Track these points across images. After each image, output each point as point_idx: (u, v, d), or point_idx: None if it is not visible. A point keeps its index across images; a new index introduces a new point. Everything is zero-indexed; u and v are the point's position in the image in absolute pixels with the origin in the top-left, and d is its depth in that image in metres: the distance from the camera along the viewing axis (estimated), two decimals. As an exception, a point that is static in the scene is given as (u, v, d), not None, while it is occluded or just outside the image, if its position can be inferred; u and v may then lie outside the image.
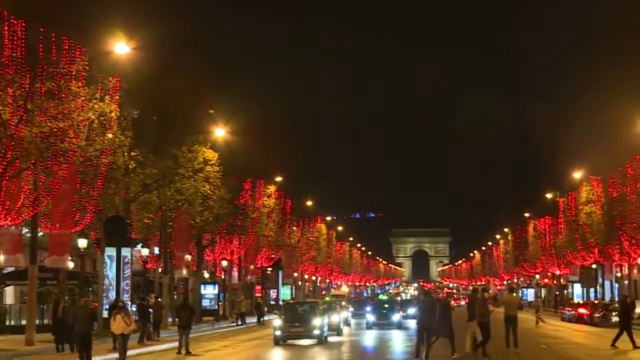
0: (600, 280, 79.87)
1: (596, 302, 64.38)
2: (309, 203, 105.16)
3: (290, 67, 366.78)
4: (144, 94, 44.08)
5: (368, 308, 56.49)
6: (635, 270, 69.85)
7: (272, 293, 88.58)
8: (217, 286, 68.08)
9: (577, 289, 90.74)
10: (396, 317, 52.14)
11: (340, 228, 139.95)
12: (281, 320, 38.82)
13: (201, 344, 39.88)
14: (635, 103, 56.33)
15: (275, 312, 50.39)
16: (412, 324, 52.31)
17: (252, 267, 74.68)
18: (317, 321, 38.53)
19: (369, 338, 43.67)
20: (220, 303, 68.40)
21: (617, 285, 76.37)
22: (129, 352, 30.16)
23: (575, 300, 79.31)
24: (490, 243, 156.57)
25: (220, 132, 57.03)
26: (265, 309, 71.45)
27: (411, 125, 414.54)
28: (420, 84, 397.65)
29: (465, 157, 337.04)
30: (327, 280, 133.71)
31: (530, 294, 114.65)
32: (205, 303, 66.22)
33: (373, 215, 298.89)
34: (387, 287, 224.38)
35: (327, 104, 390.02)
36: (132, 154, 43.55)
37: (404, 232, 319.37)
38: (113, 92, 37.76)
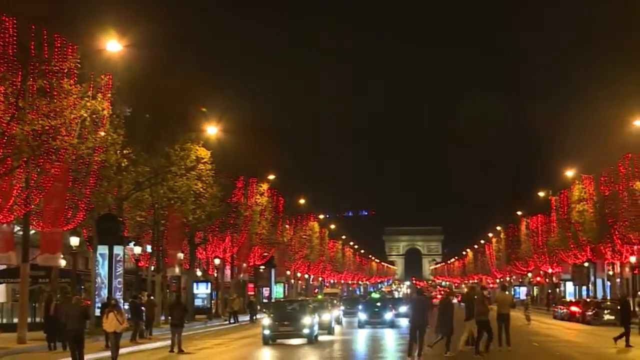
0: (592, 278, 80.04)
1: (588, 300, 64.54)
2: (302, 201, 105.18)
3: (290, 66, 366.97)
4: (136, 92, 44.00)
5: (360, 306, 55.79)
6: (627, 269, 69.98)
7: (265, 291, 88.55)
8: (209, 285, 67.95)
9: (570, 287, 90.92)
10: (388, 315, 51.59)
11: (333, 226, 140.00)
12: (270, 319, 37.91)
13: (194, 342, 39.83)
14: (629, 102, 56.55)
15: (265, 310, 50.27)
16: (404, 322, 52.36)
17: (244, 265, 74.66)
18: (307, 320, 37.67)
19: (361, 337, 43.00)
20: (212, 301, 68.37)
21: (609, 283, 76.57)
22: (122, 350, 30.11)
23: (568, 299, 79.42)
24: (482, 241, 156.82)
25: (212, 130, 56.99)
26: (258, 307, 71.45)
27: (411, 125, 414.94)
28: (420, 84, 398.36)
29: (464, 157, 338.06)
30: (320, 279, 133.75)
31: (522, 292, 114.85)
32: (197, 303, 66.17)
33: (366, 213, 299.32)
34: (379, 286, 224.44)
35: (326, 103, 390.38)
36: (124, 152, 43.52)
37: (396, 230, 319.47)
38: (105, 90, 37.68)
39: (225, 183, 60.50)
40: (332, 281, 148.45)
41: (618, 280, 74.54)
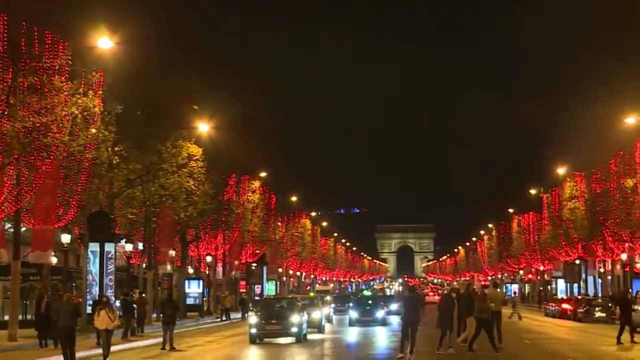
0: (583, 275, 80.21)
1: (579, 297, 64.69)
2: (294, 198, 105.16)
3: (290, 66, 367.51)
4: (127, 89, 43.89)
5: (351, 304, 55.22)
6: (618, 266, 70.17)
7: (257, 289, 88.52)
8: (201, 284, 67.74)
9: (561, 284, 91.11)
10: (380, 313, 50.80)
11: (325, 224, 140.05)
12: (257, 318, 36.86)
13: (185, 339, 39.80)
14: (622, 100, 56.70)
15: (252, 308, 49.83)
16: (395, 320, 52.28)
17: (236, 262, 74.61)
18: (295, 318, 36.58)
19: (352, 335, 42.12)
20: (204, 299, 68.28)
21: (600, 280, 76.74)
22: (113, 348, 30.06)
23: (559, 296, 79.62)
24: (474, 239, 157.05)
25: (204, 128, 56.92)
26: (250, 304, 71.40)
27: (407, 124, 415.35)
28: (420, 84, 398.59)
29: (458, 155, 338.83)
30: (312, 276, 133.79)
31: (514, 289, 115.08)
32: (189, 301, 66.06)
33: (358, 210, 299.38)
34: (371, 283, 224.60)
35: (326, 103, 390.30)
36: (115, 149, 43.40)
37: (388, 227, 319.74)
38: (96, 87, 37.58)
39: (217, 180, 60.42)
40: (324, 279, 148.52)
41: (609, 277, 74.72)
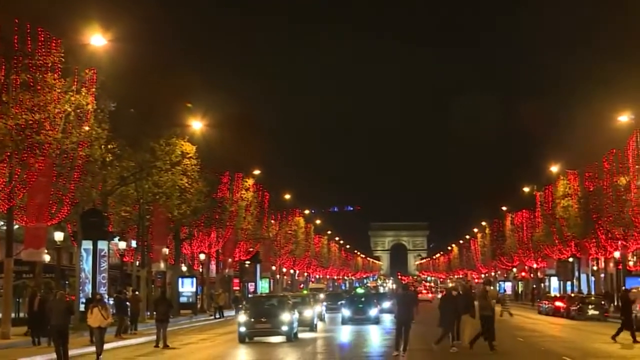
0: (576, 273, 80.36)
1: (572, 295, 64.80)
2: (287, 196, 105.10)
3: (289, 65, 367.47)
4: (121, 87, 43.77)
5: (344, 302, 54.62)
6: (611, 264, 70.37)
7: (250, 286, 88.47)
8: (194, 282, 67.59)
9: (554, 282, 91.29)
10: (373, 311, 49.99)
11: (318, 221, 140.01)
12: (246, 316, 35.80)
13: (179, 337, 39.79)
14: (617, 99, 56.83)
15: (240, 306, 49.36)
16: (387, 318, 52.23)
17: (230, 260, 74.55)
18: (285, 316, 35.63)
19: (345, 334, 41.49)
20: (198, 296, 68.21)
21: (593, 278, 76.90)
22: (106, 346, 30.02)
23: (552, 294, 79.76)
24: (468, 237, 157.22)
25: (198, 125, 56.84)
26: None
27: (407, 123, 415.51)
28: (420, 84, 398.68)
29: (452, 154, 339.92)
30: (306, 274, 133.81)
31: (507, 287, 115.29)
32: (182, 300, 65.95)
33: (351, 208, 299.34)
34: (365, 281, 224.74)
35: (324, 103, 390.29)
36: (109, 146, 43.29)
37: (382, 225, 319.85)
38: (90, 84, 37.47)
39: (210, 178, 60.35)
40: (317, 276, 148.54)
41: (602, 275, 74.88)
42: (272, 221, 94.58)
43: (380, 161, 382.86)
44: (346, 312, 49.95)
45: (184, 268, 72.00)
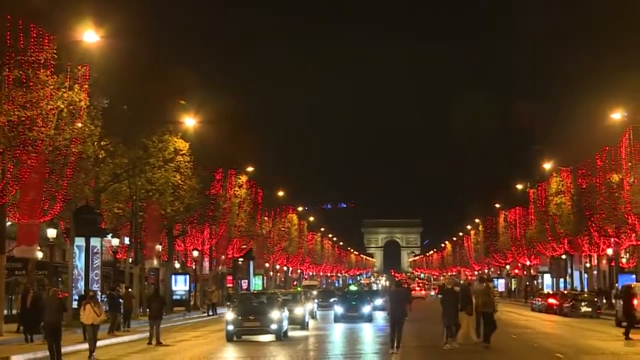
0: (569, 270, 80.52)
1: (565, 292, 64.95)
2: (281, 193, 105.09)
3: (290, 65, 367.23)
4: (114, 83, 43.67)
5: (336, 299, 54.04)
6: (604, 261, 70.49)
7: (244, 283, 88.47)
8: (187, 280, 67.34)
9: (547, 279, 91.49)
10: (366, 309, 49.32)
11: (312, 218, 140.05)
12: (234, 314, 34.82)
13: (172, 334, 39.75)
14: (607, 96, 56.95)
15: (228, 303, 48.89)
16: (379, 315, 52.14)
17: (223, 257, 74.48)
18: (275, 314, 34.63)
19: (338, 332, 40.78)
20: (191, 294, 68.12)
21: (586, 275, 77.06)
22: (99, 343, 29.99)
23: (545, 291, 79.91)
24: (461, 234, 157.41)
25: (191, 122, 56.74)
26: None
27: (404, 122, 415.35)
28: (420, 84, 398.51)
29: (447, 151, 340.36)
30: (299, 271, 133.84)
31: (501, 284, 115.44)
32: (176, 298, 65.74)
33: (345, 205, 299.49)
34: (358, 278, 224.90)
35: (327, 103, 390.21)
36: (102, 143, 43.16)
37: (375, 222, 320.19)
38: (82, 80, 37.34)
39: (203, 175, 60.25)
40: (311, 273, 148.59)
41: (595, 272, 75.04)
42: (266, 218, 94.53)
43: (374, 158, 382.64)
44: (339, 310, 49.36)
45: (177, 265, 71.92)
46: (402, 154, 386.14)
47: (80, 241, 43.47)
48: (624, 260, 67.22)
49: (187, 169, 53.63)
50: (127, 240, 55.78)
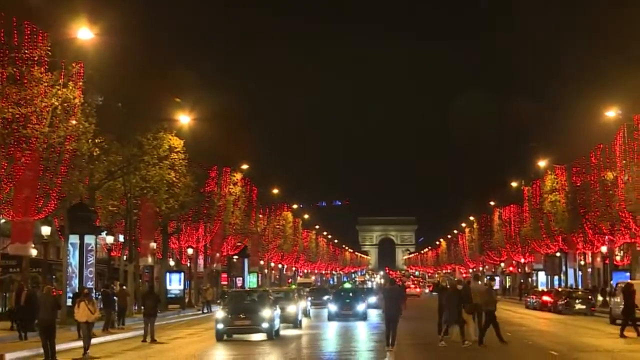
0: (564, 268, 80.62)
1: (560, 290, 65.02)
2: (276, 191, 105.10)
3: (290, 65, 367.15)
4: (108, 81, 43.60)
5: (330, 297, 53.36)
6: (598, 259, 70.60)
7: (238, 281, 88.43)
8: (182, 278, 67.23)
9: (542, 276, 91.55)
10: (361, 307, 48.52)
11: (306, 216, 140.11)
12: (224, 312, 33.91)
13: (167, 332, 39.72)
14: (602, 94, 57.00)
15: (219, 302, 48.44)
16: (373, 313, 52.04)
17: (218, 255, 74.46)
18: (266, 312, 33.67)
19: (331, 331, 39.85)
20: (186, 291, 68.06)
21: (580, 273, 77.17)
22: (94, 340, 29.94)
23: (540, 288, 80.00)
24: (456, 231, 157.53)
25: (186, 119, 56.68)
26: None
27: (401, 120, 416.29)
28: (420, 84, 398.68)
29: (443, 149, 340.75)
30: (294, 268, 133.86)
31: (495, 281, 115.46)
32: (170, 296, 65.67)
33: (339, 203, 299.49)
34: (353, 275, 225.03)
35: (327, 103, 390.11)
36: (96, 140, 43.13)
37: (370, 220, 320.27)
38: (77, 78, 37.29)
39: (198, 172, 60.22)
40: (306, 271, 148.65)
41: (589, 270, 75.15)
42: (260, 216, 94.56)
43: (373, 158, 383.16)
44: (333, 308, 48.45)
45: (172, 262, 71.86)
46: (402, 154, 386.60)
47: (74, 239, 43.42)
48: (618, 258, 67.32)
49: (181, 166, 53.60)
50: (121, 238, 55.72)
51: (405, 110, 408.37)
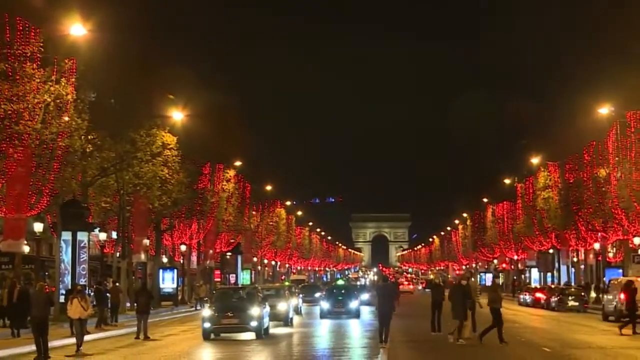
0: (557, 265, 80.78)
1: (553, 286, 65.11)
2: (269, 188, 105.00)
3: (290, 65, 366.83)
4: (101, 77, 43.48)
5: (323, 294, 52.64)
6: (591, 255, 70.73)
7: (232, 278, 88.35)
8: (175, 275, 67.09)
9: (535, 273, 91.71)
10: (354, 304, 47.60)
11: (300, 213, 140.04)
12: (211, 310, 32.69)
13: (160, 329, 39.66)
14: (595, 91, 57.05)
15: (206, 299, 47.97)
16: (365, 310, 51.97)
17: (211, 251, 74.37)
18: (254, 310, 32.31)
19: (324, 329, 39.10)
20: (179, 288, 67.99)
21: (573, 270, 77.31)
22: (87, 337, 29.87)
23: (533, 285, 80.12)
24: (449, 228, 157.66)
25: (179, 116, 56.56)
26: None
27: (398, 119, 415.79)
28: (420, 84, 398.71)
29: (438, 147, 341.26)
30: (287, 265, 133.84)
31: (488, 278, 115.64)
32: (163, 293, 65.56)
33: (333, 200, 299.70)
34: (346, 272, 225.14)
35: (327, 103, 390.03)
36: (89, 137, 43.01)
37: (363, 217, 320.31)
38: (69, 74, 37.21)
39: (191, 169, 60.14)
40: (299, 268, 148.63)
41: (582, 266, 75.29)
42: (254, 212, 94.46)
43: (358, 152, 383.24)
44: (325, 305, 47.64)
45: (165, 259, 71.79)
46: (402, 154, 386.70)
47: (67, 235, 43.36)
48: (610, 255, 67.47)
49: (174, 163, 53.51)
50: (114, 235, 55.64)
51: (405, 110, 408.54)
